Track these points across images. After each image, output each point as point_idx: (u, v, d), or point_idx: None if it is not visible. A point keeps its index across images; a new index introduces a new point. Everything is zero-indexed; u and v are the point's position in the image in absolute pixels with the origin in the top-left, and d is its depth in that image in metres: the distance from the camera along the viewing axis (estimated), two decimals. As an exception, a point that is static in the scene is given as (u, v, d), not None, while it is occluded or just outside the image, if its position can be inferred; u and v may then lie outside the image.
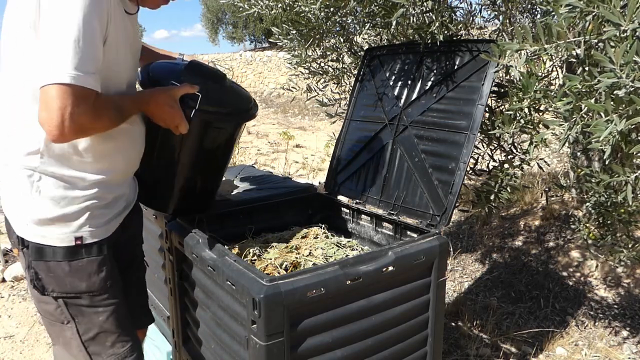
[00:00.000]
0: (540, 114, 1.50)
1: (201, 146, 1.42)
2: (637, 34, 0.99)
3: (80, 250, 1.21)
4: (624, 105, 1.02)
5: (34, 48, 1.06)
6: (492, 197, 1.64)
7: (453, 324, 2.50)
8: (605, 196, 1.61)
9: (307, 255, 1.51)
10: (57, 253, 1.19)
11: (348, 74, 2.45)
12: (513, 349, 2.28)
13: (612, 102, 1.02)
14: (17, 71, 1.12)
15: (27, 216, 1.18)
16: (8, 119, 1.17)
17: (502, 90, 1.68)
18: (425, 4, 1.63)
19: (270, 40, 2.87)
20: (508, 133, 1.46)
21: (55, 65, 1.02)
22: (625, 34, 1.00)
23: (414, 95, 1.70)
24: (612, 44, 1.07)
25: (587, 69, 1.20)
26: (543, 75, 1.33)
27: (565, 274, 2.77)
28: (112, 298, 1.27)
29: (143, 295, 1.56)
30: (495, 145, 1.84)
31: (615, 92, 1.03)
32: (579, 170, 1.78)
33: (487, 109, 1.63)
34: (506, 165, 1.66)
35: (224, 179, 1.72)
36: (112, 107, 1.16)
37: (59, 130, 1.04)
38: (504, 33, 2.03)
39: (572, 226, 2.06)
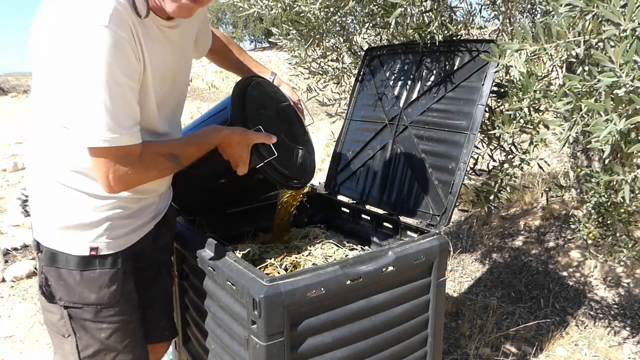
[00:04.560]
0: (540, 114, 1.50)
1: (245, 181, 1.38)
2: (636, 33, 0.99)
3: (94, 260, 1.18)
4: (623, 105, 1.02)
5: (59, 90, 1.02)
6: (491, 197, 1.64)
7: (453, 324, 2.50)
8: (605, 196, 1.61)
9: (307, 255, 1.51)
10: (70, 261, 1.16)
11: (348, 74, 2.45)
12: (513, 349, 2.28)
13: (611, 102, 1.02)
14: (44, 97, 1.08)
15: (46, 220, 1.18)
16: (37, 134, 1.15)
17: (502, 90, 1.68)
18: (424, 3, 1.63)
19: (270, 40, 2.87)
20: (508, 133, 1.45)
21: (87, 131, 0.99)
22: (625, 34, 1.00)
23: (414, 95, 1.70)
24: (612, 43, 1.07)
25: (587, 68, 1.20)
26: (543, 75, 1.33)
27: (565, 274, 2.77)
28: (119, 314, 1.23)
29: (168, 308, 1.50)
30: (495, 145, 1.84)
31: (615, 91, 1.03)
32: (579, 170, 1.78)
33: (487, 109, 1.63)
34: (506, 165, 1.66)
35: None
36: (164, 156, 1.13)
37: (109, 188, 1.07)
38: (503, 33, 2.03)
39: (572, 226, 2.06)
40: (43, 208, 1.18)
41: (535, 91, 1.30)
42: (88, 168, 1.10)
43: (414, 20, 1.74)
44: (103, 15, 0.95)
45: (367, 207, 1.76)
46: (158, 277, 1.43)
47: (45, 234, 1.18)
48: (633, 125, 1.01)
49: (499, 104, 1.80)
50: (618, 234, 1.79)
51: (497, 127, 1.49)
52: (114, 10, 0.96)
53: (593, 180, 1.57)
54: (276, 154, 1.27)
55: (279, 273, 1.41)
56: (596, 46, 1.22)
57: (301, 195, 1.57)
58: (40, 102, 1.10)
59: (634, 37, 0.98)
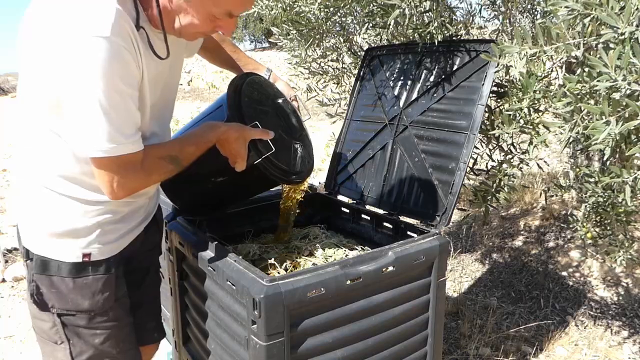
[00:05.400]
0: (540, 114, 1.50)
1: (245, 178, 1.38)
2: (634, 36, 0.99)
3: (87, 267, 1.17)
4: (621, 108, 1.02)
5: (52, 94, 1.00)
6: (489, 198, 1.65)
7: (453, 324, 2.50)
8: (604, 196, 1.61)
9: (307, 255, 1.51)
10: (62, 268, 1.15)
11: (348, 74, 2.45)
12: (513, 349, 2.28)
13: (609, 105, 1.02)
14: (32, 100, 1.07)
15: (35, 227, 1.16)
16: (24, 137, 1.14)
17: (502, 90, 1.68)
18: (423, 4, 1.64)
19: (270, 40, 2.87)
20: (507, 133, 1.46)
21: (89, 141, 0.99)
22: (623, 37, 1.00)
23: (414, 95, 1.70)
24: (611, 45, 1.07)
25: (586, 70, 1.20)
26: (543, 75, 1.33)
27: (565, 274, 2.77)
28: (113, 319, 1.22)
29: (156, 309, 1.49)
30: (495, 145, 1.84)
31: (612, 94, 1.03)
32: (579, 170, 1.78)
33: (487, 109, 1.63)
34: (505, 165, 1.66)
35: None
36: (165, 159, 1.13)
37: (113, 195, 1.07)
38: (503, 33, 2.04)
39: (570, 225, 2.06)
40: (31, 215, 1.17)
41: (535, 91, 1.30)
42: (77, 173, 1.10)
43: (414, 20, 1.74)
44: (104, 26, 0.94)
45: (367, 207, 1.77)
46: (146, 279, 1.42)
47: (34, 241, 1.16)
48: (633, 127, 1.01)
49: (499, 104, 1.81)
50: (616, 234, 1.80)
51: (497, 127, 1.50)
52: (115, 20, 0.95)
53: (591, 180, 1.57)
54: (274, 149, 1.27)
55: (279, 273, 1.41)
56: (595, 47, 1.22)
57: (303, 189, 1.57)
58: (28, 104, 1.08)
59: (631, 41, 0.98)
